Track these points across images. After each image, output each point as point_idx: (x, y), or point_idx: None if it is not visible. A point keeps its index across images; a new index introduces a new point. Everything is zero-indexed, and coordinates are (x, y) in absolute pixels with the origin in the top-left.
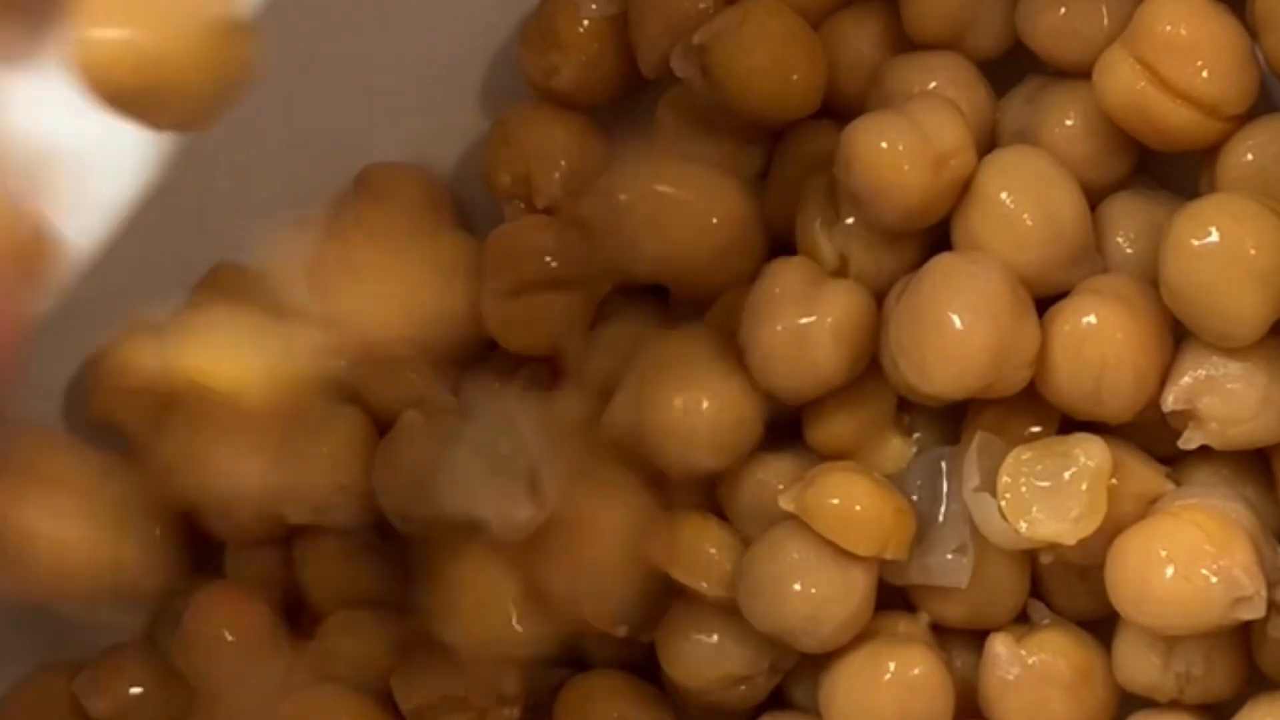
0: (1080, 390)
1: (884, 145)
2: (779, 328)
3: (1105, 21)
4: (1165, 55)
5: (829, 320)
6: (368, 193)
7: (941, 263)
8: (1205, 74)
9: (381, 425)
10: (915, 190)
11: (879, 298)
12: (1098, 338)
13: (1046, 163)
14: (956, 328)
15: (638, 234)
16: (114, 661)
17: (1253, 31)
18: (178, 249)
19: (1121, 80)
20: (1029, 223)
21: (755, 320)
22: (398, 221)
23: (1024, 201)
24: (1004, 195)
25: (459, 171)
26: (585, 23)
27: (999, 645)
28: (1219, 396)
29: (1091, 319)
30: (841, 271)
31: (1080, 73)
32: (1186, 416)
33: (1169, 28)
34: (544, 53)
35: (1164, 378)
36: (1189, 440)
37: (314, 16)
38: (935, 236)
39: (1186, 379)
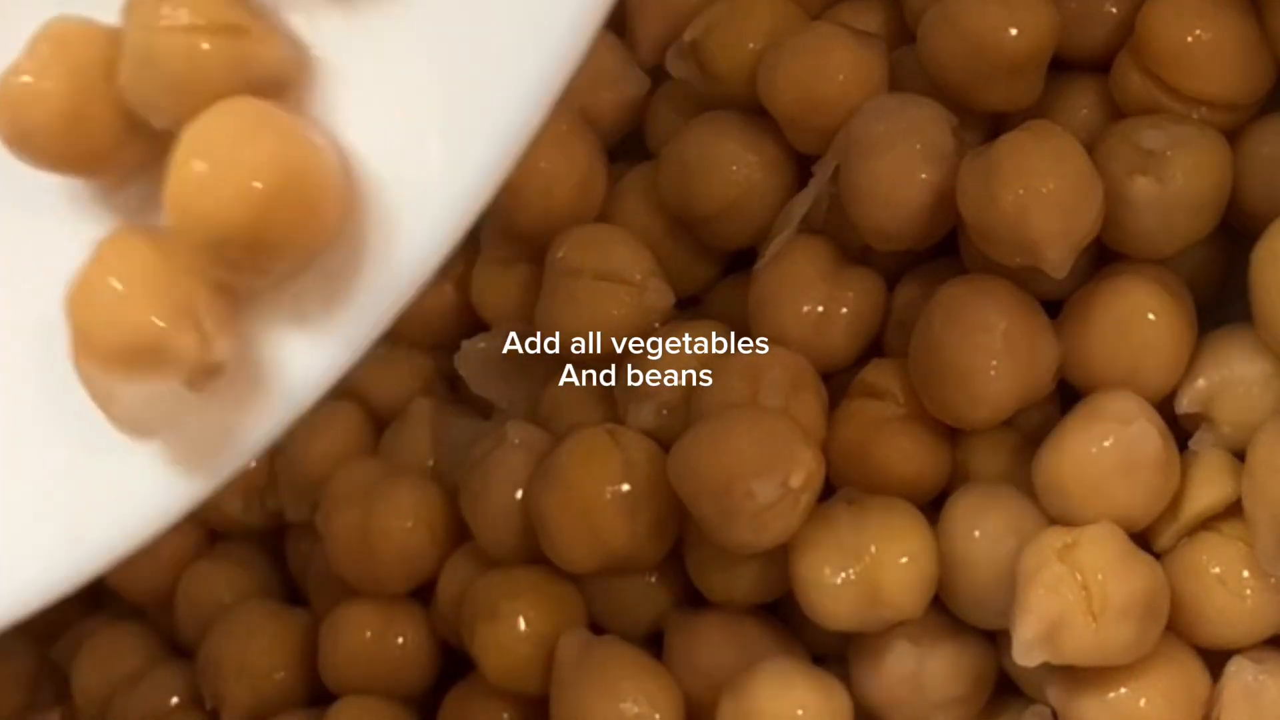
0: (1116, 372)
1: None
2: (794, 311)
3: (1115, 10)
4: (1171, 65)
5: (845, 308)
6: None
7: (947, 296)
8: (1215, 75)
9: (379, 420)
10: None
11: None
12: (1141, 320)
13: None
14: (977, 375)
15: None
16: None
17: (1258, 14)
18: None
19: (1134, 95)
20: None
21: (767, 300)
22: None
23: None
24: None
25: None
26: None
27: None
28: (1233, 400)
29: (1138, 301)
30: (860, 257)
31: (1092, 64)
32: (1199, 418)
33: (1170, 36)
34: None
35: (1187, 369)
36: (1200, 442)
37: None
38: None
39: (1201, 382)
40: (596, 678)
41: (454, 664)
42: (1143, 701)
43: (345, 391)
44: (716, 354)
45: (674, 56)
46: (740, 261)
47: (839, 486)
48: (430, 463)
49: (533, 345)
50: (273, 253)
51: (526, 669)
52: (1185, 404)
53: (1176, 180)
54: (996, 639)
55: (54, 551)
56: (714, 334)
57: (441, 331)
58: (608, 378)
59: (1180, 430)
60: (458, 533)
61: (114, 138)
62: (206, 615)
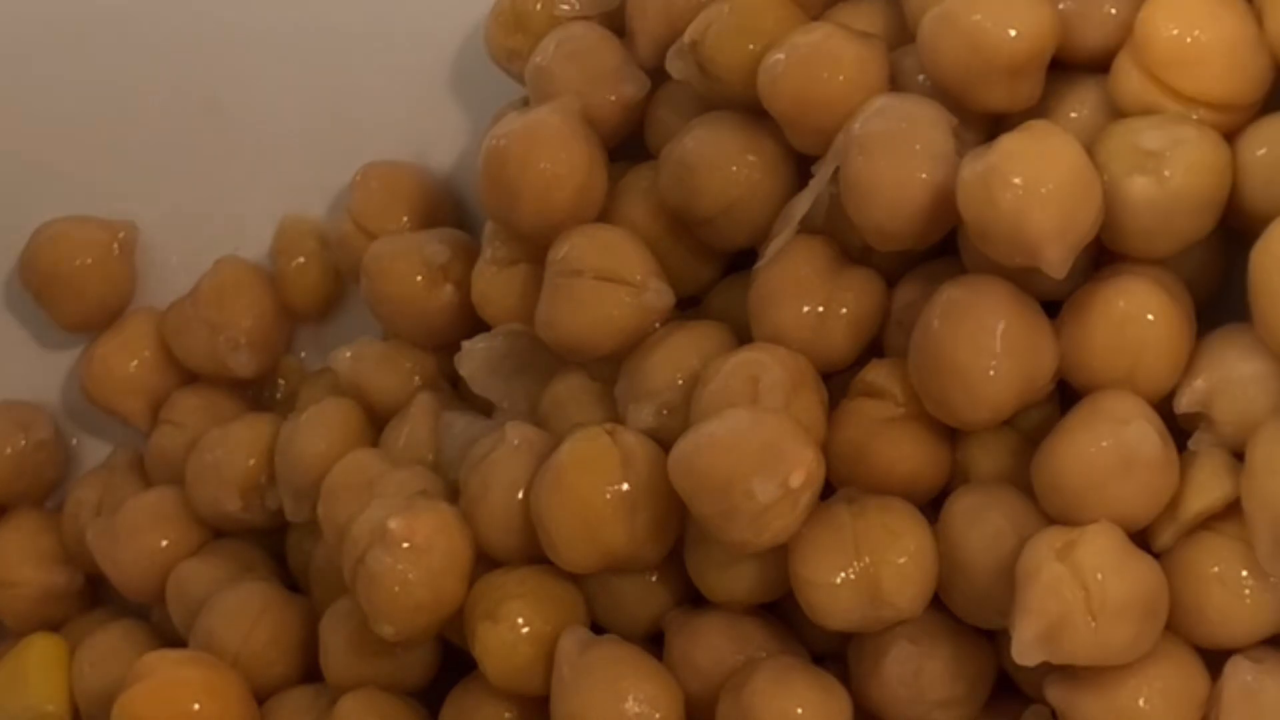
0: (1115, 372)
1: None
2: (794, 310)
3: (1115, 10)
4: (1171, 66)
5: (845, 309)
6: (367, 191)
7: (947, 296)
8: (1214, 76)
9: (379, 420)
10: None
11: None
12: (1140, 320)
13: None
14: (976, 376)
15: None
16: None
17: (1258, 15)
18: (181, 246)
19: (1134, 95)
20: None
21: (767, 299)
22: None
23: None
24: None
25: (458, 171)
26: (563, 7)
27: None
28: (1232, 400)
29: (1137, 301)
30: (860, 257)
31: (1092, 64)
32: (1198, 418)
33: (1170, 36)
34: (511, 33)
35: (1185, 369)
36: (1199, 442)
37: (314, 16)
38: None
39: (1200, 381)
40: (596, 677)
41: (454, 664)
42: (1142, 701)
43: (346, 391)
44: (716, 354)
45: (674, 56)
46: (740, 261)
47: (839, 486)
48: (430, 458)
49: (533, 345)
50: None
51: (527, 669)
52: (1185, 404)
53: (1176, 180)
54: (996, 639)
55: None
56: (714, 334)
57: (441, 331)
58: (608, 378)
59: (1180, 430)
60: None
61: None
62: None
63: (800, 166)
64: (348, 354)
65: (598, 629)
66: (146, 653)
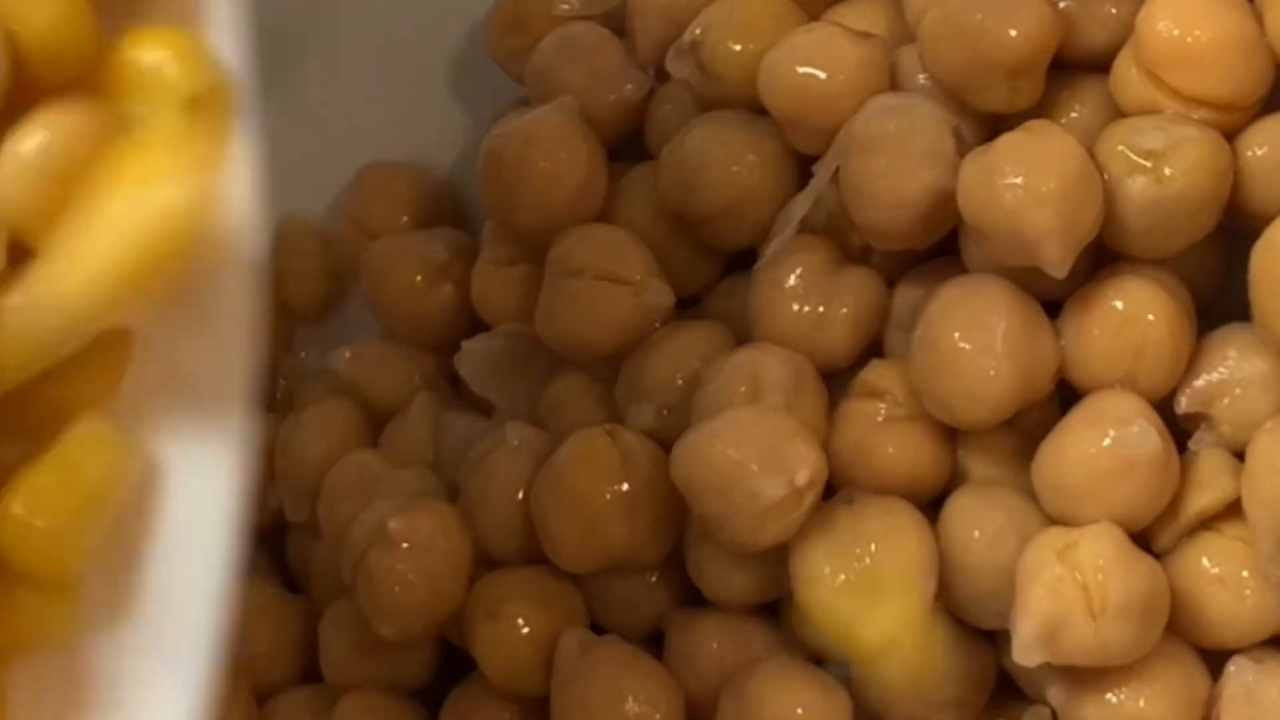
0: (1115, 372)
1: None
2: (793, 310)
3: (1115, 10)
4: (1171, 65)
5: (845, 308)
6: (367, 191)
7: (947, 296)
8: (1215, 75)
9: (379, 420)
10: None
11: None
12: (1140, 319)
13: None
14: (976, 375)
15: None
16: None
17: (1258, 15)
18: None
19: (1134, 95)
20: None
21: (767, 299)
22: None
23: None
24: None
25: (458, 171)
26: (563, 7)
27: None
28: (1233, 400)
29: (1136, 300)
30: (860, 257)
31: (1093, 64)
32: (1199, 418)
33: (1171, 35)
34: (510, 34)
35: (1187, 369)
36: (1200, 442)
37: (313, 15)
38: None
39: (1201, 381)
40: (596, 677)
41: (454, 664)
42: (1142, 701)
43: (345, 391)
44: (716, 354)
45: (674, 56)
46: (740, 261)
47: (839, 486)
48: (430, 458)
49: (533, 345)
50: None
51: (527, 669)
52: (1185, 404)
53: (1176, 180)
54: (996, 639)
55: None
56: (714, 334)
57: (441, 331)
58: (608, 378)
59: (1180, 430)
60: None
61: None
62: None
63: (800, 166)
64: (347, 354)
65: (598, 629)
66: None
